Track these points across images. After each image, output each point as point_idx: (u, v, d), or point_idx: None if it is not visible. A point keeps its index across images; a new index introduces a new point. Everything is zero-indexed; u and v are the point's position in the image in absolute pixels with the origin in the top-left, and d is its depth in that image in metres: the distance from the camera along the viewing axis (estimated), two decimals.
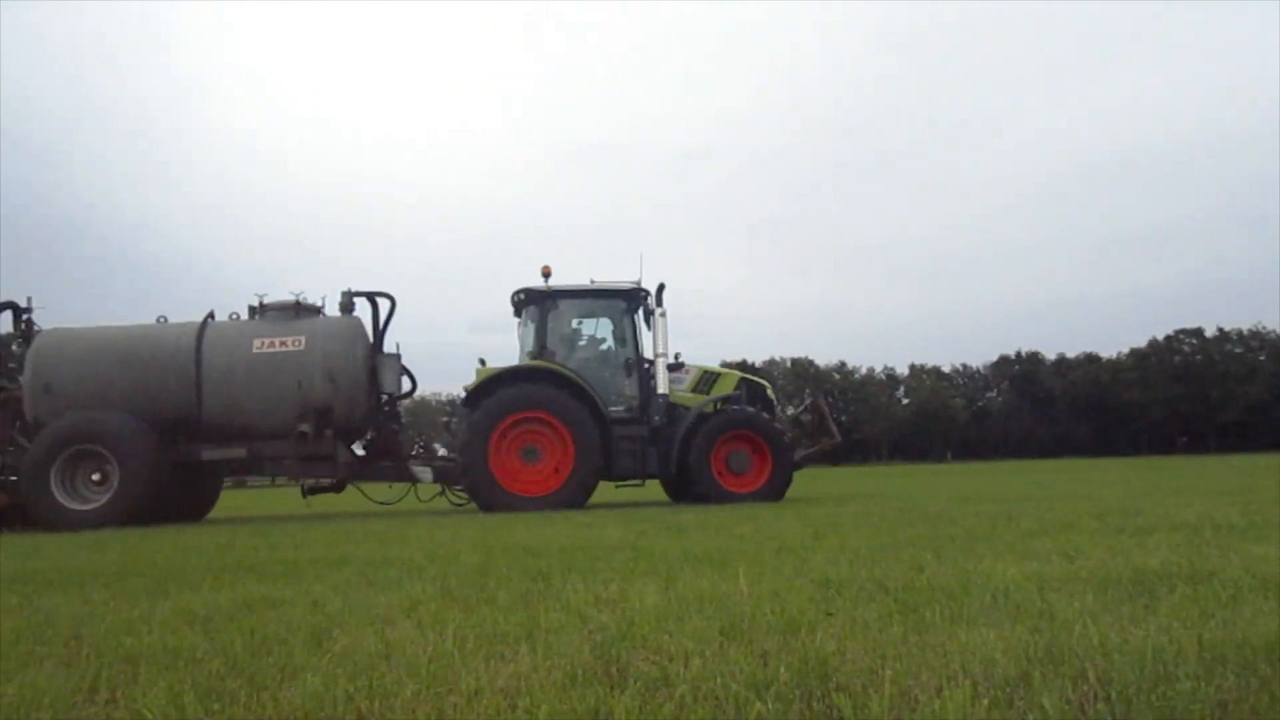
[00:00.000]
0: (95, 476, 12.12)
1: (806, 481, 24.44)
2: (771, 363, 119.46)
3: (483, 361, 12.90)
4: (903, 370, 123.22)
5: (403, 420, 14.40)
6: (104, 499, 11.93)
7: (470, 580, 4.61)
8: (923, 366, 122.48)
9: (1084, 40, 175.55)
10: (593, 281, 13.34)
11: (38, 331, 12.99)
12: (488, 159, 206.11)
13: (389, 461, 13.49)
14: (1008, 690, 2.23)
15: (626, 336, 13.35)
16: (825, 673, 2.43)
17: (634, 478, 13.16)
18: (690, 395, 13.27)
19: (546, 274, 13.18)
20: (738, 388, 13.42)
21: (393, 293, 13.50)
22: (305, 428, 12.49)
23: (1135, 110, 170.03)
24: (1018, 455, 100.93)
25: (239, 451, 12.68)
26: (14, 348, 14.29)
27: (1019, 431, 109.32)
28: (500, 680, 2.50)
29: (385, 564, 5.59)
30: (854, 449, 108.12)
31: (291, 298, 13.24)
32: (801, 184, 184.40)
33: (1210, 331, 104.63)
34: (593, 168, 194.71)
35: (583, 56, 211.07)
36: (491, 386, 12.42)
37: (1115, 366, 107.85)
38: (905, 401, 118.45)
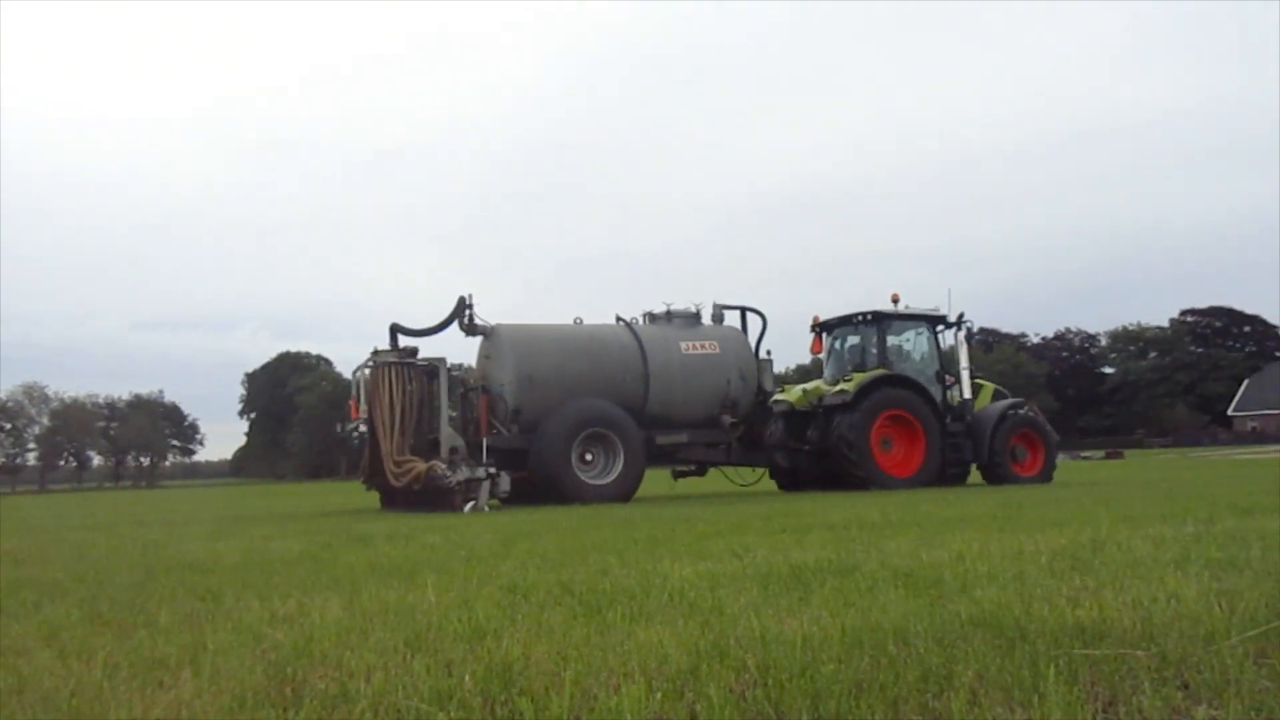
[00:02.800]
0: (588, 457, 13.37)
1: None
2: (469, 370, 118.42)
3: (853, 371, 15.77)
4: None
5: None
6: (611, 476, 13.38)
7: (125, 602, 4.18)
8: None
9: (775, 81, 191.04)
10: (908, 307, 16.08)
11: (483, 326, 14.01)
12: (165, 148, 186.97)
13: (759, 450, 15.50)
14: (679, 683, 2.38)
15: (932, 352, 16.29)
16: (509, 678, 2.46)
17: (956, 466, 15.84)
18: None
19: (895, 300, 16.02)
20: (994, 397, 16.79)
21: (762, 309, 15.95)
22: (729, 419, 14.65)
23: (816, 152, 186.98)
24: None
25: (681, 437, 14.56)
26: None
27: None
28: (157, 710, 2.30)
29: (21, 586, 4.93)
30: None
31: (693, 307, 15.37)
32: (508, 191, 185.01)
33: None
34: (280, 163, 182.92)
35: (277, 49, 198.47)
36: (868, 390, 14.85)
37: (789, 381, 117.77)
38: None
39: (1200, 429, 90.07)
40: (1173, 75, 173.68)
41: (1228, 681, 2.23)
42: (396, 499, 13.57)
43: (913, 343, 16.37)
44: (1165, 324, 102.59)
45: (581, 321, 14.69)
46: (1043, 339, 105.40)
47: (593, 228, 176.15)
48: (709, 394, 14.59)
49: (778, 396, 15.84)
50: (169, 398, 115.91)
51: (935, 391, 15.75)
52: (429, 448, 13.16)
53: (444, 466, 12.19)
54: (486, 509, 11.84)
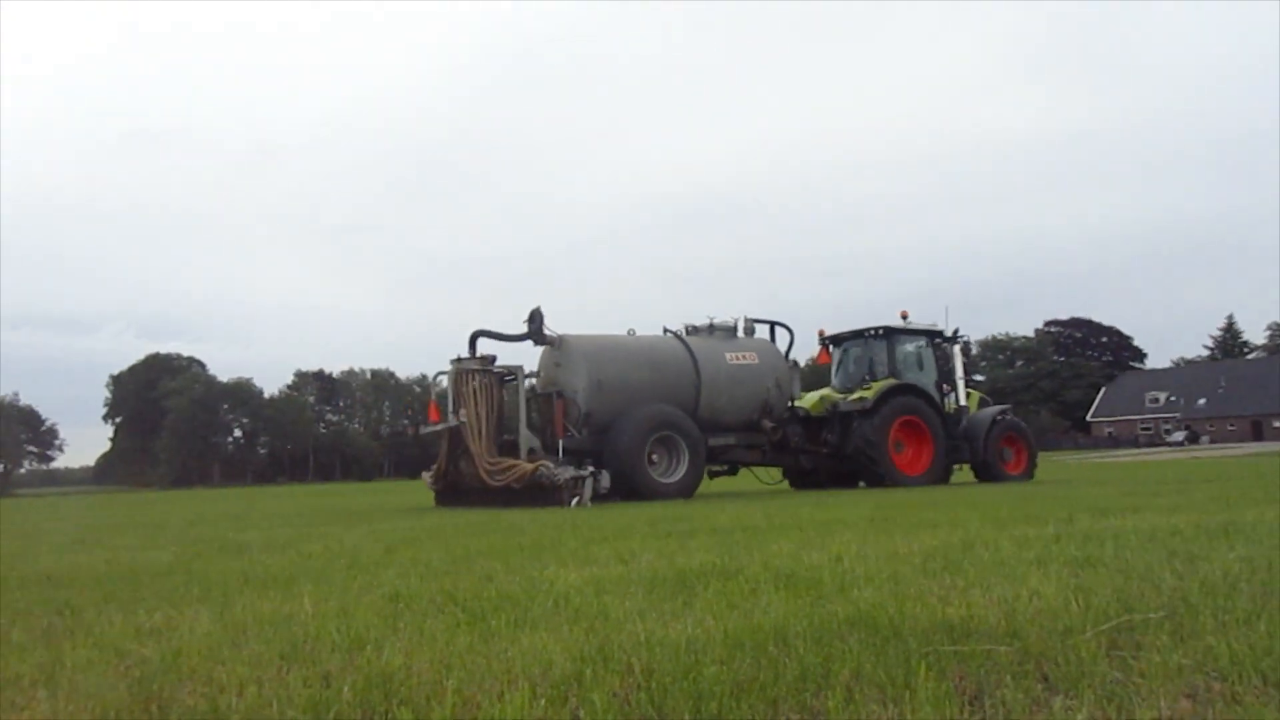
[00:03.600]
0: (654, 457, 14.40)
1: (409, 493, 24.00)
2: (350, 374, 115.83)
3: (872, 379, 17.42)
4: None
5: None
6: (677, 475, 14.45)
7: None
8: None
9: (658, 93, 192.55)
10: (912, 323, 17.83)
11: (551, 335, 14.73)
12: (21, 134, 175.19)
13: (788, 452, 16.68)
14: (563, 689, 2.37)
15: (931, 363, 17.96)
16: (390, 688, 2.41)
17: (955, 464, 17.74)
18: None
19: (905, 316, 17.77)
20: (980, 404, 18.68)
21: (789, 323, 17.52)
22: (769, 423, 15.98)
23: (704, 163, 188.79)
24: None
25: (730, 439, 15.80)
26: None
27: None
28: None
29: None
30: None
31: (730, 321, 16.65)
32: (389, 192, 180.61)
33: None
34: (147, 155, 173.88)
35: (145, 33, 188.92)
36: (886, 397, 16.44)
37: None
38: None
39: (1061, 434, 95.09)
40: (1034, 100, 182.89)
41: (1083, 673, 2.36)
42: (450, 497, 14.68)
43: (917, 355, 18.00)
44: (1030, 334, 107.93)
45: (634, 333, 15.87)
46: None
47: (478, 228, 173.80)
48: (751, 400, 15.92)
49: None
50: (24, 400, 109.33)
51: (937, 399, 17.43)
52: (504, 449, 14.03)
53: (552, 466, 13.11)
54: (589, 504, 12.80)
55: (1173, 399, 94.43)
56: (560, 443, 13.96)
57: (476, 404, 13.86)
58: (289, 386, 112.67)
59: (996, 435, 17.68)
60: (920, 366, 17.93)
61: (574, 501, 12.80)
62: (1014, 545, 4.94)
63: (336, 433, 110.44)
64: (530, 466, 13.14)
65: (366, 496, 24.52)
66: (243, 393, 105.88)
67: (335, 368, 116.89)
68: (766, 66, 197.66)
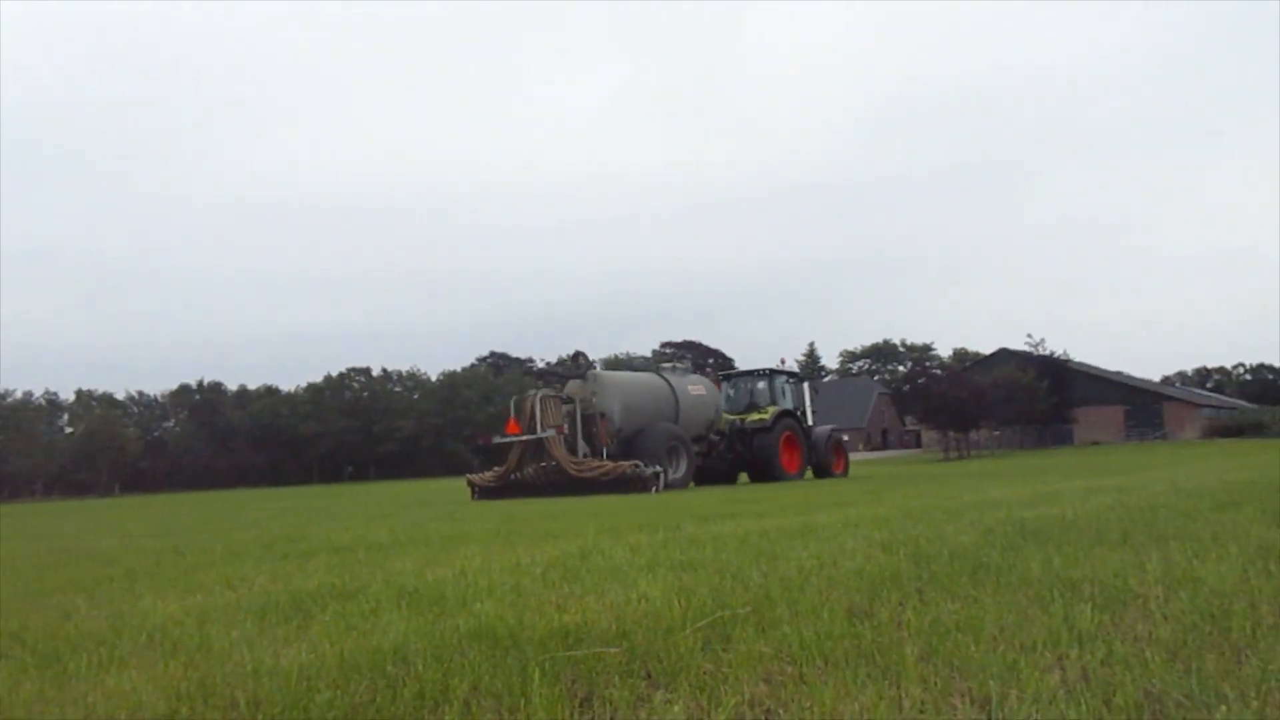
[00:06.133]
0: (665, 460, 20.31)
1: None
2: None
3: (761, 406, 24.64)
4: (68, 396, 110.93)
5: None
6: (680, 474, 20.22)
7: None
8: (92, 393, 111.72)
9: (281, 95, 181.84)
10: (783, 362, 26.38)
11: (589, 371, 20.69)
12: None
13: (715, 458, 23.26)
14: None
15: (791, 395, 25.33)
16: None
17: (808, 466, 24.43)
18: None
19: (783, 361, 26.47)
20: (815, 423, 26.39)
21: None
22: (715, 437, 22.89)
23: (310, 166, 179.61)
24: (194, 486, 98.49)
25: (696, 448, 21.71)
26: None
27: (196, 462, 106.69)
28: None
29: None
30: (2, 484, 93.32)
31: (678, 364, 25.02)
32: None
33: (376, 371, 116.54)
34: None
35: None
36: (778, 418, 23.35)
37: (293, 400, 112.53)
38: (69, 430, 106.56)
39: None
40: (650, 141, 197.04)
41: (681, 667, 2.57)
42: (492, 493, 19.11)
43: (783, 389, 25.16)
44: (648, 354, 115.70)
45: (635, 368, 22.87)
46: (547, 363, 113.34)
47: (62, 219, 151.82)
48: (703, 420, 22.39)
49: None
50: None
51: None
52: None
53: (642, 465, 17.97)
54: (662, 490, 17.55)
55: None
56: (605, 450, 19.07)
57: (558, 422, 18.89)
58: None
59: (830, 446, 25.08)
60: (785, 396, 24.94)
61: (653, 490, 17.38)
62: (627, 552, 5.27)
63: None
64: (625, 465, 17.93)
65: None
66: None
67: None
68: (405, 82, 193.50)
